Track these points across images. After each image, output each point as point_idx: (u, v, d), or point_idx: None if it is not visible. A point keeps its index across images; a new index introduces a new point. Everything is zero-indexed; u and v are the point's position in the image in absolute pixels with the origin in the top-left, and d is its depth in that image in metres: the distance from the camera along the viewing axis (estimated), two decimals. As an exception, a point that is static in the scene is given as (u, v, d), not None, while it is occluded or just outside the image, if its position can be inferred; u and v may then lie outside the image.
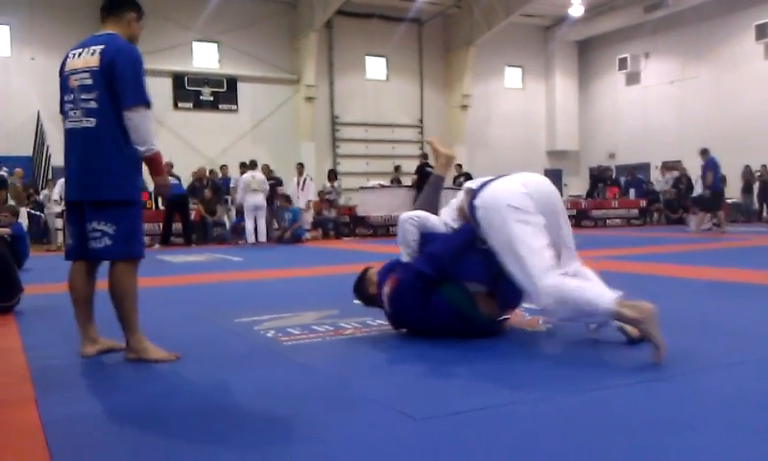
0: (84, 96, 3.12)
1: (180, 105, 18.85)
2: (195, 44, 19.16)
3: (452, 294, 3.41)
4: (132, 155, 3.13)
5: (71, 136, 3.19)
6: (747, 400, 2.36)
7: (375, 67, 21.66)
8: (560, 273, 3.14)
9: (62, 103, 3.24)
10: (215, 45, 19.40)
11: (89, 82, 3.11)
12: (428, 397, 2.51)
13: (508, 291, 3.38)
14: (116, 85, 3.07)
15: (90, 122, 3.11)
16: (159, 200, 14.06)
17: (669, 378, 2.64)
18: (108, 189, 3.11)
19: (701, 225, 13.23)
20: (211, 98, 19.20)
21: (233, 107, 19.49)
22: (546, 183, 3.44)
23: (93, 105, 3.11)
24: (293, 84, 20.05)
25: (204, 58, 19.33)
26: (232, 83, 19.47)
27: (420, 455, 1.93)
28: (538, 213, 3.18)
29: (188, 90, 18.93)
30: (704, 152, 13.10)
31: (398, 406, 2.35)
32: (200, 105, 19.06)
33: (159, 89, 18.55)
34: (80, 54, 3.18)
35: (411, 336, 3.49)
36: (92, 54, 3.13)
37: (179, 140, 18.46)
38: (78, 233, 3.22)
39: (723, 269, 6.88)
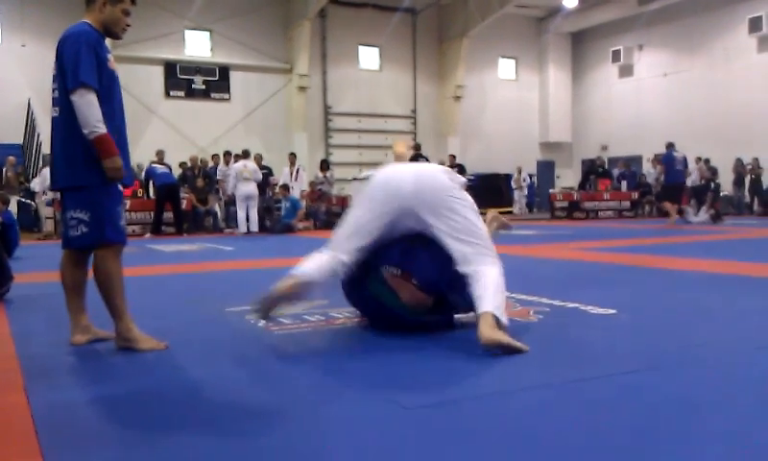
0: (53, 86, 3.18)
1: (171, 93, 18.77)
2: (187, 32, 19.06)
3: (375, 288, 3.34)
4: None
5: (51, 127, 3.24)
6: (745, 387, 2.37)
7: (369, 57, 21.61)
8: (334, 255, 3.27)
9: None
10: (207, 34, 19.31)
11: (55, 71, 3.17)
12: (418, 385, 2.51)
13: (422, 267, 3.24)
14: (64, 71, 3.08)
15: (56, 111, 3.15)
16: (151, 189, 13.99)
17: (663, 368, 2.65)
18: (71, 176, 3.11)
19: (678, 216, 13.52)
20: (203, 87, 19.12)
21: (225, 96, 19.42)
22: (394, 177, 3.33)
23: (56, 94, 3.15)
24: (285, 73, 19.98)
25: (197, 46, 19.24)
26: (225, 71, 19.39)
27: (411, 444, 1.93)
28: (378, 204, 3.26)
29: (180, 79, 18.84)
30: (668, 146, 13.25)
31: (388, 395, 2.35)
32: (192, 93, 18.98)
33: (151, 77, 18.49)
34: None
35: (400, 326, 3.48)
36: (57, 45, 3.18)
37: (170, 129, 18.39)
38: (63, 222, 3.25)
39: (713, 261, 6.91)
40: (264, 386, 2.59)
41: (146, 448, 1.94)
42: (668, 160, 13.34)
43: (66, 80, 3.04)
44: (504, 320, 3.01)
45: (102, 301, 3.17)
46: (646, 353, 2.91)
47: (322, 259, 3.30)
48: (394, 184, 3.30)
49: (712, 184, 15.61)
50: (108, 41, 3.25)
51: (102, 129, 3.02)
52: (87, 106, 3.00)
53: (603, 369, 2.66)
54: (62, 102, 3.10)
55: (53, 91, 3.19)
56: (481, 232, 3.25)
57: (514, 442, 1.92)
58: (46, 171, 11.37)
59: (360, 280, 3.41)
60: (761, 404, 2.21)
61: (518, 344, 2.90)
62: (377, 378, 2.63)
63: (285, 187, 14.02)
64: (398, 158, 4.11)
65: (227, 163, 14.25)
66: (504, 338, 2.89)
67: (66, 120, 3.08)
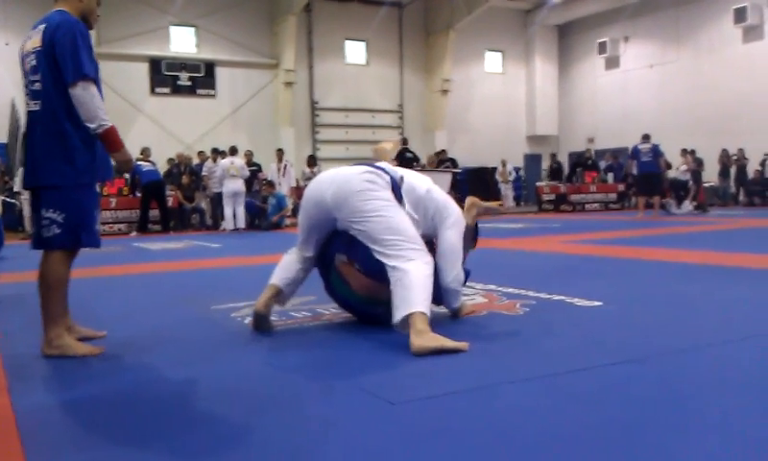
0: (31, 78, 3.02)
1: (156, 90, 18.67)
2: (172, 28, 18.95)
3: (333, 278, 3.43)
4: (81, 137, 2.98)
5: (27, 121, 3.09)
6: (729, 380, 2.38)
7: (355, 52, 21.58)
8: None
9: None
10: (192, 29, 19.21)
11: (35, 63, 3.00)
12: (405, 381, 2.51)
13: (363, 252, 3.20)
14: (58, 63, 2.94)
15: (36, 105, 3.00)
16: (136, 186, 13.91)
17: (649, 359, 2.66)
18: (49, 174, 2.97)
19: (644, 209, 13.77)
20: (189, 83, 19.02)
21: (211, 92, 19.33)
22: (317, 188, 3.34)
23: (38, 86, 2.98)
24: (272, 68, 19.91)
25: (182, 42, 19.13)
26: (210, 67, 19.30)
27: (399, 439, 1.92)
28: (308, 217, 3.38)
29: (165, 75, 18.73)
30: (643, 137, 13.41)
31: (376, 391, 2.35)
32: (177, 90, 18.88)
33: (136, 74, 18.37)
34: (30, 36, 3.07)
35: (386, 322, 3.48)
36: (38, 34, 3.02)
37: (156, 126, 18.29)
38: (34, 221, 3.10)
39: (699, 252, 6.96)
40: (248, 383, 2.57)
41: (131, 450, 1.93)
42: (634, 153, 13.59)
43: (64, 72, 2.92)
44: (428, 313, 2.92)
45: (40, 301, 3.06)
46: (632, 345, 2.92)
47: (291, 259, 3.51)
48: (317, 196, 3.32)
49: (692, 177, 15.73)
50: (91, 38, 3.17)
51: (109, 121, 2.96)
52: (92, 99, 2.93)
53: (589, 361, 2.67)
54: (46, 95, 2.97)
55: (31, 84, 3.02)
56: (401, 228, 3.10)
57: (501, 436, 1.92)
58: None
59: (325, 273, 3.49)
60: (749, 394, 2.23)
61: (453, 344, 2.82)
62: (363, 374, 2.62)
63: (271, 184, 13.97)
64: (378, 154, 4.02)
65: (214, 160, 14.18)
66: (435, 343, 2.80)
67: (48, 114, 2.96)
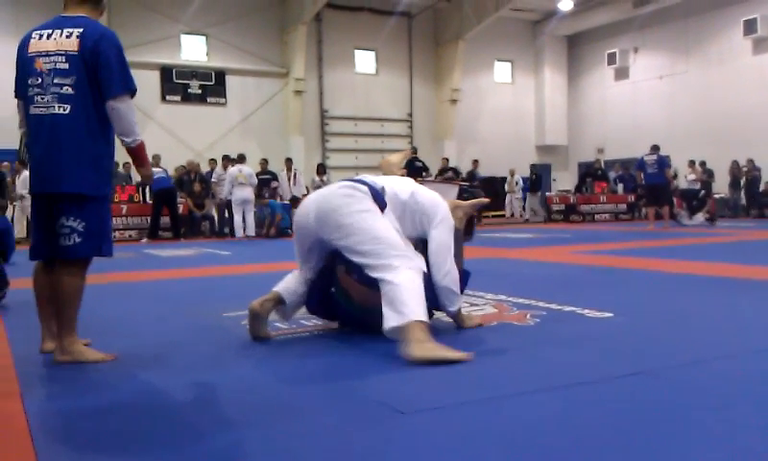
0: (57, 81, 2.93)
1: (167, 98, 18.77)
2: (183, 37, 19.07)
3: (338, 293, 3.44)
4: (107, 147, 3.03)
5: (38, 123, 2.97)
6: (740, 393, 2.37)
7: (365, 61, 21.63)
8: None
9: (21, 86, 3.07)
10: (203, 38, 19.32)
11: (65, 66, 2.93)
12: (415, 390, 2.51)
13: (358, 264, 3.20)
14: (100, 73, 2.92)
15: (64, 109, 2.93)
16: (147, 193, 13.98)
17: (660, 371, 2.65)
18: (79, 182, 2.93)
19: (654, 220, 13.70)
20: (199, 91, 19.12)
21: (222, 100, 19.42)
22: (302, 212, 3.40)
23: (68, 90, 2.92)
24: (282, 77, 19.98)
25: (193, 50, 19.24)
26: (221, 76, 19.39)
27: (409, 449, 1.92)
28: (299, 239, 3.43)
29: (176, 83, 18.84)
30: (651, 148, 13.39)
31: (386, 400, 2.35)
32: (188, 98, 18.98)
33: (147, 82, 18.44)
34: (49, 35, 2.99)
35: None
36: (68, 36, 2.96)
37: (166, 134, 18.37)
38: (44, 229, 3.03)
39: (710, 264, 6.92)
40: (258, 392, 2.58)
41: (140, 457, 1.93)
42: (640, 164, 13.60)
43: (110, 84, 2.92)
44: (426, 319, 2.91)
45: (58, 310, 3.05)
46: (643, 357, 2.91)
47: (295, 275, 3.53)
48: (303, 220, 3.37)
49: (703, 189, 15.69)
50: None
51: (140, 137, 3.03)
52: (131, 114, 2.99)
53: (600, 373, 2.66)
54: (79, 100, 2.93)
55: (57, 86, 2.94)
56: (382, 236, 3.06)
57: (511, 447, 1.92)
58: (26, 174, 11.09)
59: (327, 288, 3.49)
60: (759, 408, 2.21)
61: (455, 355, 2.78)
62: (372, 383, 2.62)
63: (262, 196, 13.88)
64: (385, 168, 3.96)
65: (224, 168, 14.23)
66: (434, 353, 2.77)
67: (81, 121, 2.93)
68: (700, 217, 14.55)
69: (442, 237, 3.31)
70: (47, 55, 2.97)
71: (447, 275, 3.29)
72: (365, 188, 3.24)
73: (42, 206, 3.05)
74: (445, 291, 3.32)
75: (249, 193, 13.08)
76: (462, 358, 2.80)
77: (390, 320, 2.90)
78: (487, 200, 3.76)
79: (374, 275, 3.02)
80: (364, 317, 3.41)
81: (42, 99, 2.96)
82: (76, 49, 2.94)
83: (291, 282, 3.51)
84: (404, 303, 2.88)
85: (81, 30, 2.97)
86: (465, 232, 3.72)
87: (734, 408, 2.21)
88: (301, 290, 3.52)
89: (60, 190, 2.95)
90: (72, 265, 3.02)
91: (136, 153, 3.06)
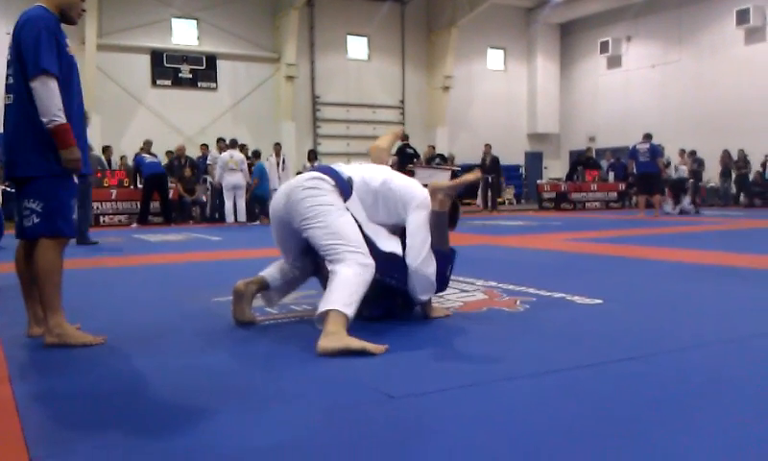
0: (8, 72, 3.07)
1: (158, 82, 18.64)
2: (174, 21, 18.92)
3: (320, 279, 3.56)
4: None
5: (3, 114, 3.13)
6: (730, 380, 2.39)
7: (357, 47, 21.54)
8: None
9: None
10: (194, 22, 19.17)
11: (9, 57, 3.07)
12: (405, 376, 2.51)
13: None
14: (23, 57, 2.98)
15: (10, 98, 3.05)
16: (138, 178, 13.90)
17: (649, 357, 2.66)
18: (24, 166, 3.02)
19: (644, 208, 13.74)
20: (190, 76, 18.99)
21: (213, 85, 19.30)
22: (275, 202, 3.40)
23: (11, 80, 3.05)
24: (273, 62, 19.88)
25: (183, 34, 19.10)
26: (212, 60, 19.27)
27: (400, 433, 1.93)
28: (275, 229, 3.46)
29: (167, 67, 18.71)
30: (644, 137, 13.41)
31: (376, 385, 2.35)
32: (178, 82, 18.85)
33: (137, 66, 18.36)
34: (11, 31, 3.15)
35: (386, 317, 3.48)
36: (14, 29, 3.08)
37: (157, 118, 18.28)
38: (17, 211, 3.15)
39: (699, 252, 6.96)
40: (248, 376, 2.58)
41: (130, 440, 1.93)
42: (633, 153, 13.63)
43: (26, 66, 2.96)
44: (348, 312, 2.89)
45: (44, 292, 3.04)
46: (632, 343, 2.93)
47: (281, 262, 3.54)
48: (276, 209, 3.39)
49: (691, 178, 15.73)
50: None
51: (61, 118, 2.96)
52: (48, 94, 2.93)
53: (589, 358, 2.67)
54: (18, 89, 3.01)
55: (7, 78, 3.06)
56: (340, 232, 3.11)
57: (500, 432, 1.92)
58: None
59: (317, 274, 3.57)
60: (748, 393, 2.23)
61: (361, 346, 2.76)
62: (362, 367, 2.62)
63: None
64: (374, 155, 3.90)
65: (219, 151, 14.12)
66: (339, 344, 2.77)
67: (20, 108, 3.00)
68: (684, 205, 14.61)
69: (417, 221, 3.30)
70: (8, 48, 3.10)
71: (421, 261, 3.24)
72: (331, 181, 3.26)
73: (16, 190, 3.16)
74: (417, 276, 3.26)
75: (239, 179, 13.03)
76: (369, 350, 2.75)
77: (319, 307, 2.94)
78: (470, 178, 3.66)
79: (329, 267, 3.09)
80: None
81: (5, 91, 3.10)
82: (12, 39, 3.06)
83: (276, 268, 3.52)
84: (333, 292, 2.93)
85: (18, 19, 3.06)
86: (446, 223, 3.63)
87: (723, 394, 2.23)
88: (290, 277, 3.52)
89: (15, 175, 3.08)
90: (43, 245, 3.03)
91: (54, 135, 2.98)
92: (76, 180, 3.15)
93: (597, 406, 2.12)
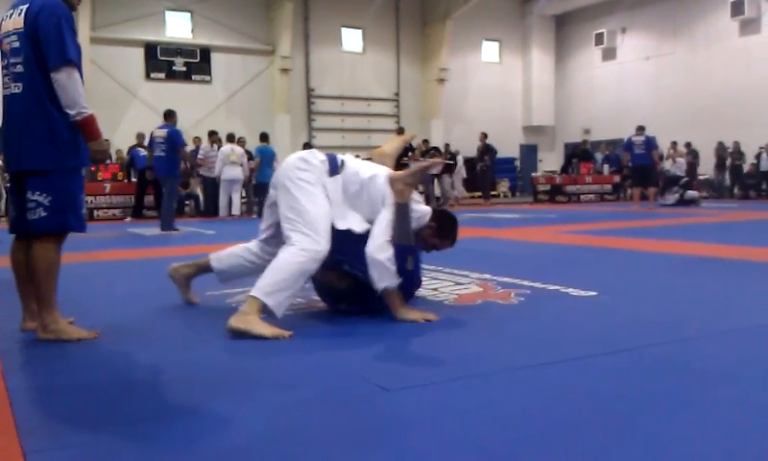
0: (13, 60, 2.94)
1: (152, 75, 18.56)
2: (168, 13, 18.83)
3: None
4: (65, 121, 2.93)
5: (5, 104, 2.99)
6: (722, 372, 2.39)
7: (351, 39, 21.47)
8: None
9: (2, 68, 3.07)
10: (188, 14, 19.09)
11: (17, 44, 2.94)
12: (400, 368, 2.51)
13: None
14: (41, 46, 2.88)
15: (18, 87, 2.93)
16: (132, 172, 13.86)
17: (643, 349, 2.67)
18: (33, 159, 2.93)
19: (639, 200, 13.78)
20: (184, 68, 18.91)
21: (207, 77, 19.23)
22: (273, 178, 3.48)
23: (20, 69, 2.92)
24: (268, 55, 19.81)
25: (177, 27, 19.01)
26: (206, 53, 19.19)
27: (395, 426, 1.93)
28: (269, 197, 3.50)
29: (160, 60, 18.62)
30: (637, 129, 13.44)
31: (371, 378, 2.35)
32: (172, 75, 18.77)
33: (131, 59, 18.27)
34: (10, 15, 2.99)
35: (379, 310, 3.47)
36: (19, 14, 2.95)
37: (151, 111, 18.17)
38: (17, 205, 3.03)
39: (693, 244, 6.98)
40: (242, 368, 2.57)
41: (123, 433, 1.92)
42: (628, 145, 13.67)
43: (48, 56, 2.87)
44: (268, 301, 2.97)
45: (36, 287, 3.02)
46: (627, 335, 2.93)
47: (245, 244, 3.62)
48: (274, 179, 3.46)
49: (686, 175, 15.73)
50: (86, 22, 3.14)
51: (89, 109, 2.92)
52: (75, 85, 2.88)
53: (583, 350, 2.67)
54: (29, 77, 2.91)
55: (12, 66, 2.96)
56: (303, 210, 3.14)
57: (493, 424, 1.92)
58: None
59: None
60: (743, 386, 2.23)
61: (262, 331, 2.89)
62: (357, 360, 2.62)
63: None
64: (377, 159, 3.83)
65: (212, 144, 14.09)
66: (242, 325, 2.91)
67: (33, 97, 2.90)
68: (670, 198, 14.61)
69: (385, 218, 3.25)
70: (7, 35, 2.99)
71: (375, 248, 3.14)
72: (321, 156, 3.35)
73: (15, 182, 3.06)
74: (374, 262, 3.15)
75: (239, 173, 13.03)
76: (265, 335, 2.89)
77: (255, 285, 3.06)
78: (424, 165, 3.58)
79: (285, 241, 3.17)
80: (323, 295, 3.55)
81: (7, 80, 2.99)
82: (21, 26, 2.94)
83: (229, 250, 3.65)
84: (264, 277, 3.05)
85: (27, 6, 2.95)
86: (430, 248, 3.57)
87: (717, 386, 2.23)
88: (249, 256, 3.61)
89: (21, 168, 2.98)
90: (44, 240, 2.98)
91: (82, 126, 2.94)
92: (84, 173, 3.12)
93: (592, 398, 2.12)
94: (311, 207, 3.15)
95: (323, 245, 3.08)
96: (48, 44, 2.87)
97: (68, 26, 2.92)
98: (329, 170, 3.31)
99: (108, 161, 14.20)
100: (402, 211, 3.30)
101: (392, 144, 4.04)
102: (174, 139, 9.55)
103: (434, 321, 3.22)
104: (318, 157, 3.35)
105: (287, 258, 3.05)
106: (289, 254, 3.05)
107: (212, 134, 14.40)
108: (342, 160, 3.39)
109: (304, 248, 3.05)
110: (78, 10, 3.17)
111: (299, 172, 3.24)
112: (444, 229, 3.54)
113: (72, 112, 2.90)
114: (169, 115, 10.00)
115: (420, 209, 3.49)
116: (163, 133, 9.70)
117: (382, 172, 3.44)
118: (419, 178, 3.43)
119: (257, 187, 13.30)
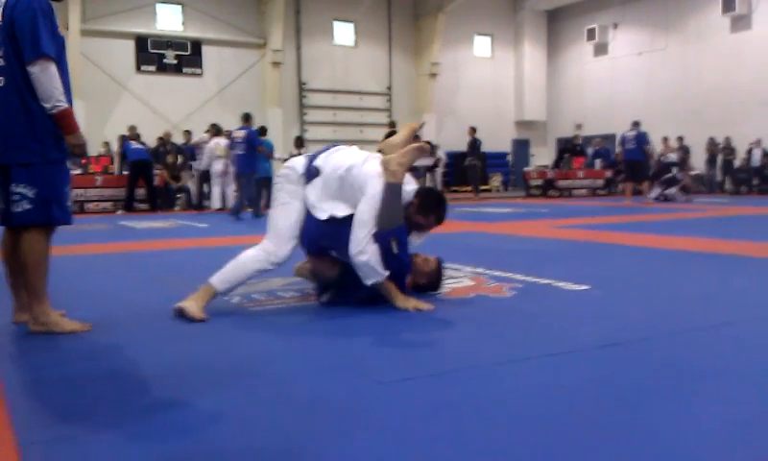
0: None
1: (142, 68, 18.43)
2: (158, 6, 18.70)
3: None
4: (45, 113, 2.91)
5: None
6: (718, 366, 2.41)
7: (343, 33, 21.40)
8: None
9: None
10: (179, 7, 18.96)
11: None
12: (393, 361, 2.52)
13: (305, 229, 3.48)
14: (18, 40, 2.87)
15: (0, 81, 2.93)
16: (123, 165, 13.79)
17: (635, 343, 2.68)
18: (16, 151, 2.92)
19: (631, 195, 13.86)
20: (175, 61, 18.79)
21: (198, 70, 19.11)
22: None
23: (1, 63, 2.91)
24: (259, 48, 19.72)
25: (168, 20, 18.88)
26: (197, 46, 19.08)
27: (388, 419, 1.93)
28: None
29: (151, 53, 18.49)
30: (633, 124, 13.51)
31: (363, 370, 2.35)
32: (163, 68, 18.65)
33: (122, 52, 18.14)
34: None
35: (375, 302, 3.48)
36: (1, 10, 2.94)
37: (141, 104, 18.10)
38: (4, 198, 3.02)
39: (685, 238, 7.01)
40: (235, 362, 2.57)
41: (116, 425, 1.92)
42: (622, 140, 13.76)
43: (24, 49, 2.86)
44: (218, 286, 3.34)
45: (26, 279, 3.01)
46: (619, 329, 2.95)
47: (247, 255, 3.51)
48: None
49: (674, 168, 15.77)
50: (76, 15, 3.12)
51: (65, 103, 2.91)
52: (50, 78, 2.87)
53: (576, 343, 2.69)
54: (10, 71, 2.90)
55: None
56: (273, 223, 3.53)
57: (486, 417, 1.93)
58: None
59: None
60: (734, 379, 2.25)
61: (193, 314, 3.19)
62: (351, 353, 2.62)
63: None
64: (389, 147, 3.75)
65: (211, 136, 13.94)
66: (184, 305, 3.23)
67: (14, 91, 2.90)
68: (653, 193, 14.65)
69: (362, 214, 3.27)
70: None
71: (357, 252, 3.21)
72: (299, 169, 3.51)
73: (1, 176, 3.03)
74: (358, 265, 3.25)
75: (226, 166, 12.97)
76: (195, 319, 3.17)
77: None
78: (416, 145, 3.58)
79: None
80: (318, 284, 3.65)
81: None
82: (0, 21, 2.93)
83: (234, 273, 3.47)
84: (224, 268, 3.40)
85: (5, 0, 2.94)
86: (415, 227, 3.57)
87: (708, 379, 2.25)
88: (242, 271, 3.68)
89: (4, 162, 2.96)
90: (32, 232, 2.97)
91: (58, 120, 2.93)
92: (70, 165, 3.10)
93: (585, 391, 2.13)
94: (276, 220, 3.51)
95: (283, 252, 3.43)
96: (23, 38, 2.86)
97: (46, 19, 2.90)
98: (306, 180, 3.48)
99: (94, 155, 14.11)
100: (396, 192, 3.32)
101: (401, 134, 4.04)
102: (252, 139, 10.76)
103: (430, 311, 3.29)
104: (296, 170, 3.52)
105: (246, 258, 3.44)
106: (249, 255, 3.45)
107: (213, 127, 14.27)
108: (316, 167, 3.48)
109: (265, 249, 3.43)
110: (67, 2, 3.13)
111: (278, 193, 3.57)
112: (426, 204, 3.53)
113: (48, 106, 2.89)
114: (247, 118, 11.19)
115: (408, 189, 3.51)
116: (242, 133, 10.84)
117: (360, 159, 3.46)
118: (412, 157, 3.45)
119: (259, 182, 13.22)
